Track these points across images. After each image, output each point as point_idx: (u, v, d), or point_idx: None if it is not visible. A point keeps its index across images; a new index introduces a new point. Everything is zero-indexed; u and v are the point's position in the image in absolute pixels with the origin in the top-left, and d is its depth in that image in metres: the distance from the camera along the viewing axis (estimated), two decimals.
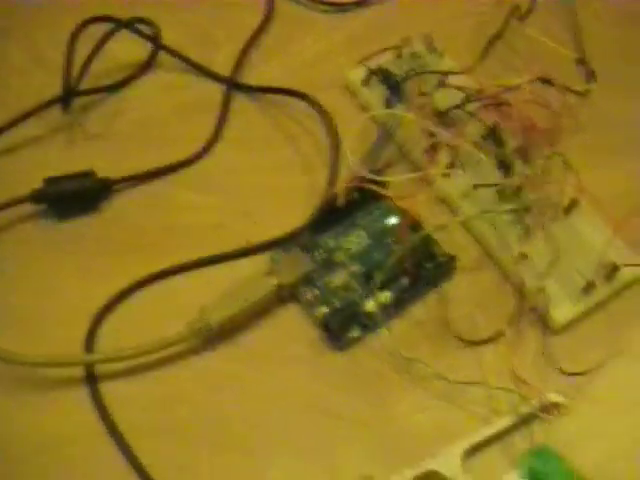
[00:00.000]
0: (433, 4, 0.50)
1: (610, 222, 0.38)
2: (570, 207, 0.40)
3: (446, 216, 0.41)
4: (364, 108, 0.44)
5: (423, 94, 0.42)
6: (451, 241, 0.40)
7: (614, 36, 0.49)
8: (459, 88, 0.42)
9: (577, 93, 0.44)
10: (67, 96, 0.43)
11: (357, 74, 0.45)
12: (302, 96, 0.44)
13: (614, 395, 0.36)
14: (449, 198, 0.41)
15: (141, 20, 0.46)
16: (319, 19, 0.50)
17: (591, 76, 0.44)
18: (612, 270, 0.38)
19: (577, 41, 0.47)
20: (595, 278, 0.38)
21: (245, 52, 0.47)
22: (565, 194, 0.40)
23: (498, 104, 0.41)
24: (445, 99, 0.42)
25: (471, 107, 0.42)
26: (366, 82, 0.44)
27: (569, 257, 0.39)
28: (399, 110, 0.42)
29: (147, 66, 0.46)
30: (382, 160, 0.41)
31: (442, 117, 0.41)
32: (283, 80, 0.46)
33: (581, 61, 0.44)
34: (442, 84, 0.43)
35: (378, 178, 0.39)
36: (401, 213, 0.40)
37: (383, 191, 0.39)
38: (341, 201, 0.39)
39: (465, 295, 0.39)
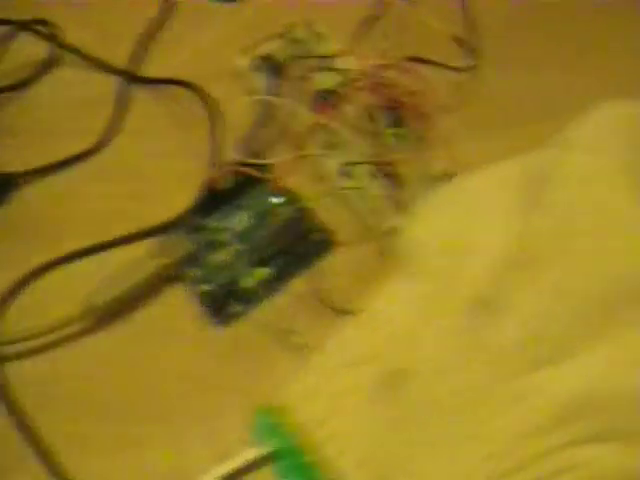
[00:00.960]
0: None
1: None
2: (443, 179, 0.44)
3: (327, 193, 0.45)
4: (250, 93, 0.49)
5: (303, 77, 0.46)
6: (331, 218, 0.44)
7: (503, 12, 0.53)
8: (339, 70, 0.46)
9: (457, 70, 0.48)
10: None
11: (244, 61, 0.49)
12: (188, 85, 0.48)
13: None
14: (327, 176, 0.45)
15: (41, 21, 0.51)
16: (217, 10, 0.54)
17: (470, 54, 0.48)
18: None
19: (466, 19, 0.52)
20: None
21: (142, 45, 0.51)
22: (438, 167, 0.44)
23: (374, 84, 0.46)
24: (326, 81, 0.46)
25: (349, 88, 0.46)
26: (252, 68, 0.49)
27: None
28: (283, 95, 0.46)
29: (48, 65, 0.51)
30: (262, 142, 0.45)
31: (321, 99, 0.46)
32: (180, 70, 0.50)
33: (458, 40, 0.48)
34: (323, 67, 0.47)
35: (255, 161, 0.43)
36: (283, 192, 0.45)
37: (261, 174, 0.43)
38: (221, 185, 0.44)
39: (342, 268, 0.43)
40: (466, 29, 0.50)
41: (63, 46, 0.51)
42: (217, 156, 0.45)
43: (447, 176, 0.44)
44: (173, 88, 0.49)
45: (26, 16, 0.51)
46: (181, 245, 0.43)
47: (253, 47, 0.49)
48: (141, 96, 0.50)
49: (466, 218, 0.36)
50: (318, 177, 0.45)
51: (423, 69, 0.46)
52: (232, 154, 0.44)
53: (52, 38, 0.51)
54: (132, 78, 0.50)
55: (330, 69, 0.46)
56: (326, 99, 0.45)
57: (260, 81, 0.48)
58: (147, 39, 0.52)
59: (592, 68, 0.49)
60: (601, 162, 0.34)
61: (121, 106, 0.49)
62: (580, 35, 0.51)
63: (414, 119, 0.45)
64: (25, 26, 0.49)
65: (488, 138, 0.47)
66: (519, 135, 0.46)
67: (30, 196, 0.47)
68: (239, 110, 0.46)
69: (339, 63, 0.47)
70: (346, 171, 0.44)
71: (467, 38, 0.50)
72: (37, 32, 0.50)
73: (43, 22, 0.51)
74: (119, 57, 0.51)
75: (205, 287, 0.42)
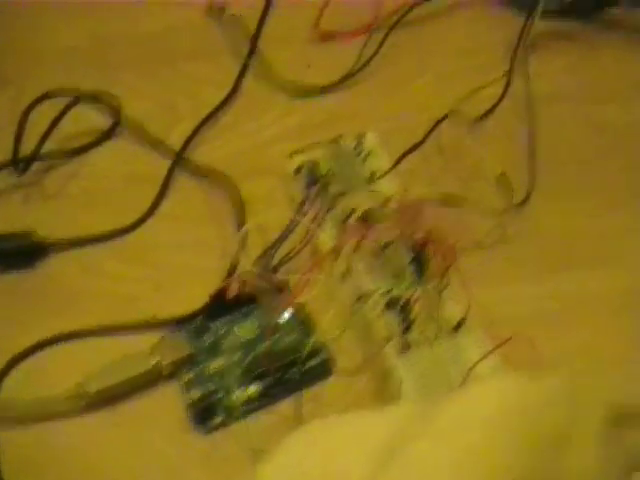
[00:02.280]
0: (394, 98, 0.58)
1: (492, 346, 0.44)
2: (457, 326, 0.46)
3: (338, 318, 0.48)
4: (290, 199, 0.52)
5: (341, 194, 0.49)
6: (337, 344, 0.46)
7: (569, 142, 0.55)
8: (376, 193, 0.49)
9: (496, 211, 0.49)
10: (17, 161, 0.53)
11: (291, 164, 0.52)
12: (224, 180, 0.52)
13: None
14: (341, 302, 0.47)
15: (105, 93, 0.56)
16: (281, 101, 0.58)
17: (510, 194, 0.49)
18: None
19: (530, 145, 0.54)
20: None
21: (199, 129, 0.55)
22: (453, 312, 0.46)
23: (407, 215, 0.48)
24: (361, 203, 0.49)
25: (382, 214, 0.49)
26: (296, 173, 0.52)
27: (443, 377, 0.44)
28: (313, 208, 0.49)
29: (107, 136, 0.56)
30: (283, 256, 0.48)
31: (353, 220, 0.48)
32: (230, 160, 0.54)
33: (504, 178, 0.49)
34: (362, 188, 0.50)
35: (271, 276, 0.47)
36: (294, 310, 0.47)
37: (276, 289, 0.47)
38: (233, 293, 0.47)
39: (335, 399, 0.45)
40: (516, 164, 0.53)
41: (122, 120, 0.56)
42: (237, 262, 0.48)
43: (461, 323, 0.46)
44: (214, 179, 0.53)
45: (92, 85, 0.56)
46: (182, 346, 0.46)
47: (302, 150, 0.53)
48: (185, 181, 0.54)
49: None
50: (332, 301, 0.48)
51: (463, 206, 0.49)
52: (253, 263, 0.47)
53: (113, 110, 0.55)
54: (180, 162, 0.54)
55: (368, 191, 0.49)
56: (358, 221, 0.48)
57: (300, 189, 0.51)
58: (205, 122, 0.56)
59: None
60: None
61: (163, 189, 0.53)
62: None
63: (440, 258, 0.47)
64: (89, 96, 0.54)
65: (521, 282, 0.49)
66: (556, 281, 0.48)
67: (54, 266, 0.51)
68: (274, 216, 0.49)
69: (379, 185, 0.50)
70: (361, 300, 0.47)
71: (516, 173, 0.52)
72: (100, 102, 0.55)
73: (107, 94, 0.55)
74: (174, 136, 0.56)
75: (195, 393, 0.45)
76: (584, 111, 0.56)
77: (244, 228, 0.48)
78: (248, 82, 0.59)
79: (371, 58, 0.59)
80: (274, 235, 0.48)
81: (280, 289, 0.47)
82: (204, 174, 0.54)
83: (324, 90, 0.58)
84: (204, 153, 0.55)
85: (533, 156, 0.53)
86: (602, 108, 0.56)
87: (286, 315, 0.47)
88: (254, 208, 0.52)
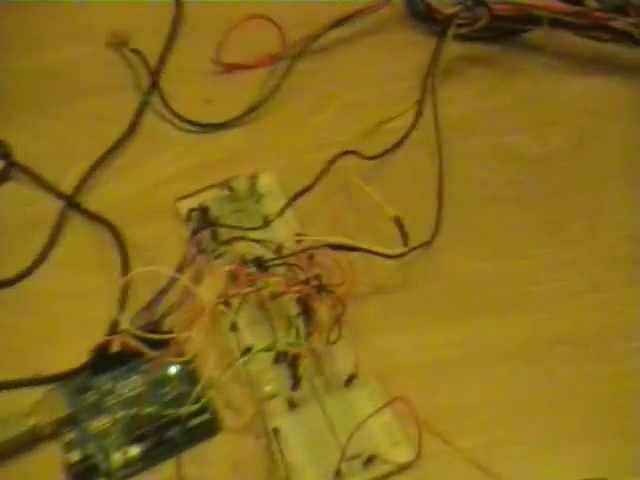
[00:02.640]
0: (297, 133, 0.56)
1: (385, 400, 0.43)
2: (348, 380, 0.45)
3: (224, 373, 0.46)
4: (183, 241, 0.50)
5: (229, 241, 0.48)
6: (223, 401, 0.45)
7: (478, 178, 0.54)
8: (264, 242, 0.48)
9: (388, 256, 0.48)
10: None
11: (183, 207, 0.51)
12: (110, 226, 0.51)
13: None
14: (228, 356, 0.46)
15: None
16: (180, 139, 0.56)
17: (405, 239, 0.48)
18: (368, 459, 0.42)
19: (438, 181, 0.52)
20: (349, 465, 0.42)
21: (93, 171, 0.54)
22: (342, 366, 0.45)
23: (296, 264, 0.47)
24: (250, 251, 0.48)
25: (271, 260, 0.47)
26: (187, 216, 0.51)
27: (332, 435, 0.43)
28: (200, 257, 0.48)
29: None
30: (166, 310, 0.47)
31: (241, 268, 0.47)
32: (123, 204, 0.53)
33: (397, 221, 0.48)
34: (250, 237, 0.48)
35: (151, 332, 0.45)
36: (180, 364, 0.46)
37: (160, 344, 0.45)
38: (115, 349, 0.46)
39: (220, 458, 0.44)
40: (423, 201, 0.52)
41: (15, 164, 0.55)
42: (117, 316, 0.47)
43: (352, 377, 0.45)
44: (104, 224, 0.52)
45: None
46: (63, 405, 0.45)
47: (193, 194, 0.51)
48: (76, 227, 0.52)
49: None
50: (219, 355, 0.46)
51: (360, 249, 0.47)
52: (134, 316, 0.46)
53: (5, 155, 0.55)
54: (72, 206, 0.53)
55: (258, 237, 0.48)
56: (245, 270, 0.47)
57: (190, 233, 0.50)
58: (99, 164, 0.55)
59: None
60: None
61: (54, 235, 0.52)
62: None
63: (330, 308, 0.45)
64: None
65: (421, 329, 0.47)
66: (457, 328, 0.47)
67: None
68: (165, 263, 0.48)
69: (273, 229, 0.49)
70: (247, 354, 0.46)
71: (423, 212, 0.51)
72: None
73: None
74: (70, 177, 0.54)
75: (74, 455, 0.44)
76: (496, 142, 0.55)
77: (123, 280, 0.46)
78: (147, 119, 0.57)
79: (274, 91, 0.57)
80: (164, 283, 0.47)
81: (164, 343, 0.46)
82: (95, 219, 0.52)
83: (224, 126, 0.56)
84: (97, 196, 0.54)
85: (440, 194, 0.52)
86: (515, 139, 0.55)
87: (171, 370, 0.46)
88: (145, 255, 0.51)
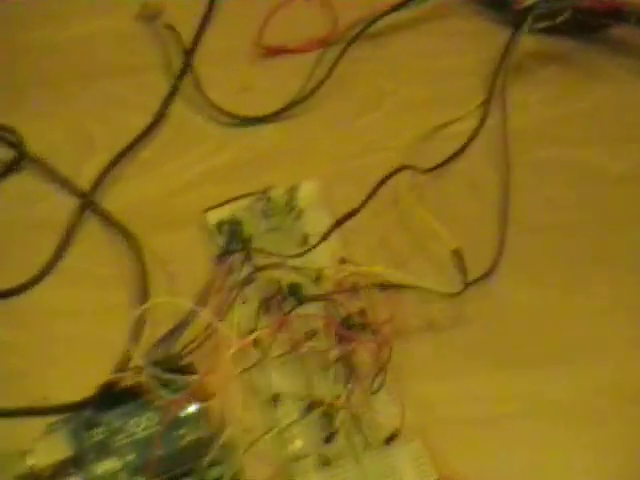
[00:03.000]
0: (345, 134, 0.50)
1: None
2: (390, 437, 0.39)
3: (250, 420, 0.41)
4: (210, 258, 0.44)
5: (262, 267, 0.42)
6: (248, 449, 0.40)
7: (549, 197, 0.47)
8: (303, 270, 0.42)
9: (444, 295, 0.42)
10: None
11: (214, 217, 0.45)
12: (130, 236, 0.45)
13: None
14: (254, 399, 0.41)
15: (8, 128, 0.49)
16: (212, 133, 0.50)
17: (464, 275, 0.42)
18: None
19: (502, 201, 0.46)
20: None
21: (114, 166, 0.48)
22: (386, 420, 0.39)
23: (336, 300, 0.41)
24: (286, 278, 0.42)
25: (309, 290, 0.42)
26: (219, 229, 0.45)
27: None
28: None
29: (5, 173, 0.49)
30: (185, 344, 0.41)
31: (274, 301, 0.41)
32: (145, 206, 0.47)
33: (457, 254, 0.42)
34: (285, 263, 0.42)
35: (168, 366, 0.40)
36: (201, 404, 0.41)
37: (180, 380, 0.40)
38: (123, 385, 0.40)
39: None
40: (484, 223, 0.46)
41: (26, 153, 0.49)
42: (132, 348, 0.41)
43: (394, 434, 0.39)
44: (123, 231, 0.46)
45: None
46: (66, 443, 0.40)
47: (227, 202, 0.46)
48: (92, 231, 0.47)
49: None
50: (245, 399, 0.41)
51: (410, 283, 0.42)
52: (151, 348, 0.41)
53: (17, 146, 0.49)
54: (88, 206, 0.47)
55: (295, 262, 0.42)
56: (279, 302, 0.41)
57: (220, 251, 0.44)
58: (120, 158, 0.49)
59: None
60: None
61: (66, 240, 0.46)
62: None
63: (374, 352, 0.40)
64: None
65: (466, 377, 0.42)
66: (516, 378, 0.41)
67: None
68: (189, 280, 0.43)
69: (312, 252, 0.43)
70: (276, 401, 0.40)
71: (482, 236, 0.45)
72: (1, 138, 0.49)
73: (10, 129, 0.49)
74: (87, 172, 0.48)
75: None
76: (568, 157, 0.49)
77: (138, 310, 0.41)
78: (177, 107, 0.51)
79: (322, 81, 0.51)
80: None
81: (184, 380, 0.40)
82: (112, 224, 0.47)
83: (262, 121, 0.50)
84: (117, 195, 0.48)
85: (504, 216, 0.46)
86: (590, 154, 0.48)
87: (190, 410, 0.41)
88: (167, 269, 0.45)
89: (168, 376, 0.39)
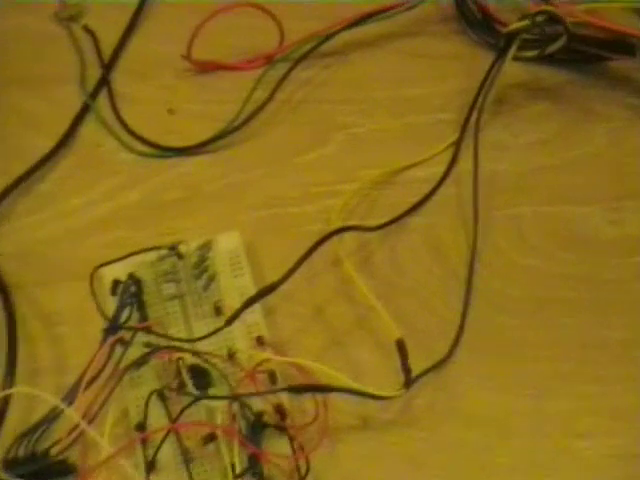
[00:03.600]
0: (284, 173, 0.41)
1: None
2: None
3: None
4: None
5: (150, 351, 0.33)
6: None
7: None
8: (202, 355, 0.33)
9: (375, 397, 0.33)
10: None
11: (110, 274, 0.37)
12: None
13: None
14: None
15: None
16: (126, 163, 0.41)
17: (407, 374, 0.33)
18: None
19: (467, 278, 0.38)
20: None
21: (5, 195, 0.40)
22: None
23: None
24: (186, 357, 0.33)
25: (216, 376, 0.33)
26: (113, 291, 0.36)
27: None
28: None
29: None
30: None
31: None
32: (35, 249, 0.39)
33: (400, 346, 0.33)
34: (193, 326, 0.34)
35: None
36: None
37: None
38: None
39: None
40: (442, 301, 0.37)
41: None
42: None
43: None
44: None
45: None
46: None
47: (127, 256, 0.36)
48: None
49: None
50: None
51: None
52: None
53: None
54: None
55: (198, 354, 0.33)
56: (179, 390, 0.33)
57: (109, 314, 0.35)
58: (14, 187, 0.40)
59: None
60: None
61: None
62: None
63: (290, 460, 0.31)
64: None
65: None
66: None
67: None
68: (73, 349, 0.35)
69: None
70: None
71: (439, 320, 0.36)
72: None
73: None
74: None
75: None
76: (554, 215, 0.40)
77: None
78: (87, 130, 0.43)
79: (262, 106, 0.42)
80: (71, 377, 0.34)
81: None
82: None
83: (186, 152, 0.42)
84: (5, 235, 0.40)
85: (468, 288, 0.37)
86: (581, 213, 0.40)
87: None
88: (54, 331, 0.37)
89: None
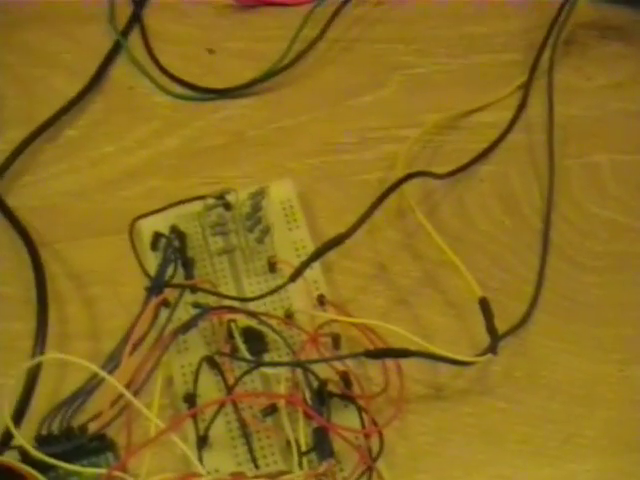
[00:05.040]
0: (340, 113, 0.37)
1: None
2: None
3: None
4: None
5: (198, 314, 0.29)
6: None
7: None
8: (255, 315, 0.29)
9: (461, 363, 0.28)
10: None
11: (149, 227, 0.32)
12: (30, 244, 0.32)
13: None
14: None
15: None
16: (162, 107, 0.37)
17: (494, 336, 0.29)
18: None
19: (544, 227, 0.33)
20: None
21: (29, 142, 0.35)
22: None
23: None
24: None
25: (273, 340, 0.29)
26: (154, 246, 0.32)
27: None
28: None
29: None
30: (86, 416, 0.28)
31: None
32: (63, 202, 0.34)
33: (484, 305, 0.29)
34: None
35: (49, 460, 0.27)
36: None
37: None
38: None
39: None
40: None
41: None
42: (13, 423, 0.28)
43: None
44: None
45: None
46: None
47: (167, 207, 0.32)
48: None
49: None
50: None
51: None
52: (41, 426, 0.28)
53: None
54: None
55: (253, 314, 0.29)
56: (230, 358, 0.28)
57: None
58: (37, 135, 0.35)
59: None
60: None
61: None
62: None
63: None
64: None
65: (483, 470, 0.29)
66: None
67: None
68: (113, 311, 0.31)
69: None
70: None
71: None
72: None
73: None
74: None
75: None
76: (634, 165, 0.35)
77: (24, 366, 0.28)
78: (117, 71, 0.38)
79: (312, 44, 0.38)
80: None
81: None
82: (14, 225, 0.33)
83: (228, 94, 0.37)
84: (26, 187, 0.35)
85: (545, 242, 0.33)
86: None
87: None
88: (85, 292, 0.32)
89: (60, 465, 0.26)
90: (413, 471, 0.29)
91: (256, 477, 0.23)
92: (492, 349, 0.28)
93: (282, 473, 0.25)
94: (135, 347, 0.27)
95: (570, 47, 0.38)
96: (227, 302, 0.29)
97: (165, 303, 0.29)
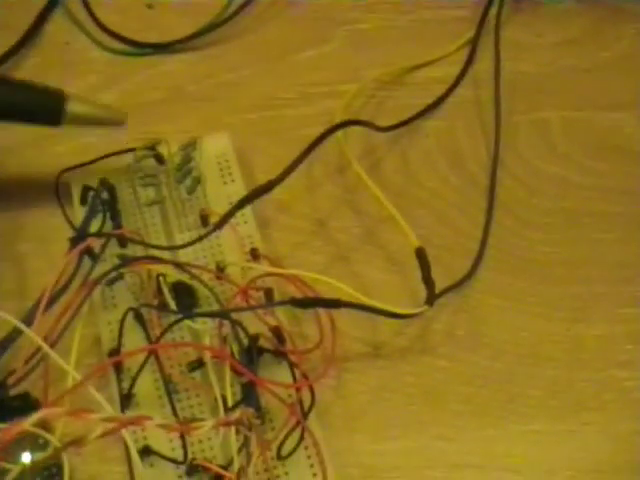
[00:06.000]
0: (279, 68, 0.35)
1: None
2: None
3: None
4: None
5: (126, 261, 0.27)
6: None
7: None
8: (184, 267, 0.27)
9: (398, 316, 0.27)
10: None
11: (78, 182, 0.30)
12: None
13: None
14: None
15: None
16: (100, 62, 0.35)
17: (430, 288, 0.27)
18: None
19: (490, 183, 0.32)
20: None
21: None
22: None
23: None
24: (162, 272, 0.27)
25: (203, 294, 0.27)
26: (83, 201, 0.30)
27: None
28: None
29: None
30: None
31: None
32: None
33: (421, 256, 0.27)
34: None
35: None
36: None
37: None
38: None
39: None
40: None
41: None
42: None
43: None
44: None
45: None
46: None
47: (96, 160, 0.30)
48: None
49: None
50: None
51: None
52: None
53: None
54: None
55: (181, 265, 0.27)
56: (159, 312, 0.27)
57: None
58: None
59: None
60: None
61: None
62: None
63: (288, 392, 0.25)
64: None
65: (422, 434, 0.28)
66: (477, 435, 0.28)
67: None
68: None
69: (209, 247, 0.28)
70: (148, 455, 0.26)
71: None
72: None
73: None
74: None
75: None
76: (582, 121, 0.34)
77: None
78: (53, 26, 0.36)
79: None
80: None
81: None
82: None
83: (167, 48, 0.35)
84: None
85: (491, 197, 0.32)
86: (611, 119, 0.34)
87: (25, 459, 0.26)
88: (15, 249, 0.30)
89: None
90: (350, 431, 0.27)
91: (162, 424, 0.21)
92: (429, 300, 0.26)
93: (194, 420, 0.23)
94: (54, 299, 0.26)
95: (521, 4, 0.37)
96: (156, 252, 0.28)
97: (91, 253, 0.28)
